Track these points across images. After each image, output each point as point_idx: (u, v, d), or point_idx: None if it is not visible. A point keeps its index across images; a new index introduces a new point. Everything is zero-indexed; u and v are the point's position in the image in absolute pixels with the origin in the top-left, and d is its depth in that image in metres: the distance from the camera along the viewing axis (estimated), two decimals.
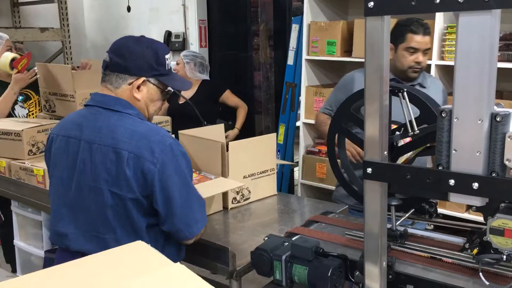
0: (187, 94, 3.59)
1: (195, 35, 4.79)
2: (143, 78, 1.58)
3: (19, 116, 2.96)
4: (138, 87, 1.59)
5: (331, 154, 1.58)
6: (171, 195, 1.52)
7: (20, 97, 2.93)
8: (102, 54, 1.64)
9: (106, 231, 1.57)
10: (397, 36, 2.24)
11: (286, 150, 3.88)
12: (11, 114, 2.91)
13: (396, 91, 1.37)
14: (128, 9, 4.75)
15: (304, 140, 3.62)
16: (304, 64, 3.50)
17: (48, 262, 2.46)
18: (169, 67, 1.64)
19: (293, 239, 1.58)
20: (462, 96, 1.01)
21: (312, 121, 3.51)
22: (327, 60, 3.46)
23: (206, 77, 3.73)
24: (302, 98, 3.54)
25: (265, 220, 2.09)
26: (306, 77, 3.53)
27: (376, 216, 1.18)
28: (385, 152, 1.15)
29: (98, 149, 1.54)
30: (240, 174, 2.11)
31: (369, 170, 1.15)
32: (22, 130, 2.43)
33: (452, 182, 1.05)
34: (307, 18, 3.44)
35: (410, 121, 1.37)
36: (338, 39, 3.28)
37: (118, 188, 1.52)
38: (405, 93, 1.39)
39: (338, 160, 1.62)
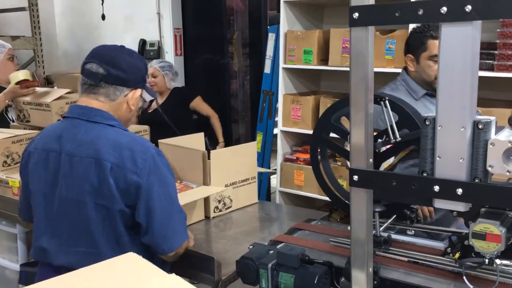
0: (158, 101, 3.68)
1: (170, 44, 4.78)
2: (140, 90, 1.65)
3: (12, 119, 2.97)
4: (132, 98, 1.63)
5: (314, 165, 1.60)
6: (152, 206, 1.51)
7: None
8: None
9: (89, 246, 1.54)
10: (417, 45, 2.04)
11: (264, 158, 3.90)
12: (4, 117, 2.92)
13: (378, 99, 1.41)
14: (103, 17, 4.69)
15: (282, 147, 3.64)
16: (281, 72, 3.53)
17: (24, 276, 2.40)
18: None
19: (278, 247, 1.58)
20: (445, 104, 1.04)
21: (289, 129, 3.54)
22: (304, 69, 3.49)
23: (177, 85, 3.86)
24: (280, 106, 3.56)
25: (247, 228, 2.09)
26: (283, 85, 3.56)
27: (363, 223, 1.20)
28: (371, 160, 1.18)
29: (80, 161, 1.52)
30: (221, 183, 2.11)
31: (355, 177, 1.16)
32: None
33: (436, 188, 1.07)
34: (283, 27, 3.47)
35: (392, 128, 1.40)
36: (314, 47, 3.32)
37: (103, 199, 1.51)
38: (386, 102, 1.42)
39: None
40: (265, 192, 3.94)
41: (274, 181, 3.85)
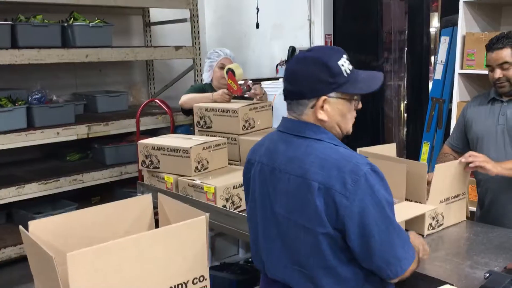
0: None
1: None
2: (323, 97, 1.43)
3: None
4: (322, 107, 1.44)
5: None
6: (367, 232, 1.35)
7: None
8: None
9: (301, 265, 1.46)
10: None
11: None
12: None
13: None
14: (257, 25, 4.76)
15: None
16: (456, 78, 3.25)
17: (212, 279, 2.43)
18: (348, 71, 1.45)
19: None
20: None
21: None
22: (484, 74, 3.17)
23: None
24: (453, 115, 3.28)
25: (461, 250, 1.89)
26: (458, 92, 3.28)
27: None
28: None
29: (289, 179, 1.45)
30: (437, 199, 1.95)
31: None
32: (191, 148, 2.43)
33: None
34: (461, 29, 3.20)
35: None
36: None
37: (308, 221, 1.40)
38: None
39: None
40: None
41: None
